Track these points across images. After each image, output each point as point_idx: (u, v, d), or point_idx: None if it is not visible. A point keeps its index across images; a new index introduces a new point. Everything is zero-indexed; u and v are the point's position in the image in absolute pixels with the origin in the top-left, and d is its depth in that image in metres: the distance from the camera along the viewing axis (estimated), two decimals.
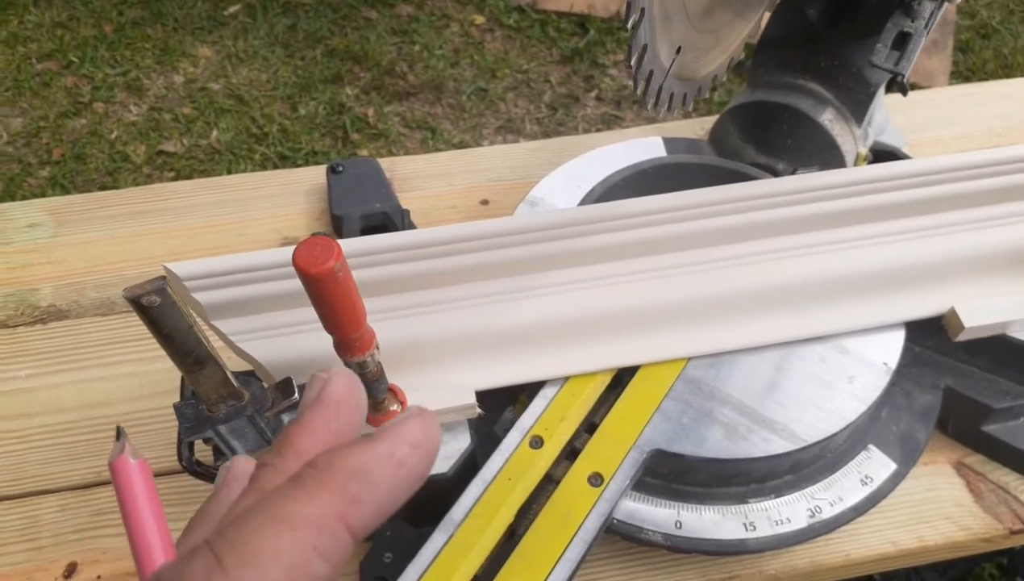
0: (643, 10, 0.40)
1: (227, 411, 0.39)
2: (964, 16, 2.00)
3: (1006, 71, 1.86)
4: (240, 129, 1.76)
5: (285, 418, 0.42)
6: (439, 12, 1.99)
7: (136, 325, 0.65)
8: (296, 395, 0.40)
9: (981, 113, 0.77)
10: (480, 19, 1.99)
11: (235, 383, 0.39)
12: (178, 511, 0.54)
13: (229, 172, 1.65)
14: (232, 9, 1.98)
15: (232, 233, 0.68)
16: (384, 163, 0.68)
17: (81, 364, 0.61)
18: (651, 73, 0.44)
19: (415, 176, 0.70)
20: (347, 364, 0.40)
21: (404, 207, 0.64)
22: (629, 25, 0.40)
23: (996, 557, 1.23)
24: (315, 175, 0.69)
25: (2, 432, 0.57)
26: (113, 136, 1.75)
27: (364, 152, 1.69)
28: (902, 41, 0.44)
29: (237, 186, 0.71)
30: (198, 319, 0.39)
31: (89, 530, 0.53)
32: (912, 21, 0.47)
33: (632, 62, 0.41)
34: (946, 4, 0.47)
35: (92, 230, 0.69)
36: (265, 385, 0.41)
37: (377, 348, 0.40)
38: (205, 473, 0.50)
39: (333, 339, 0.38)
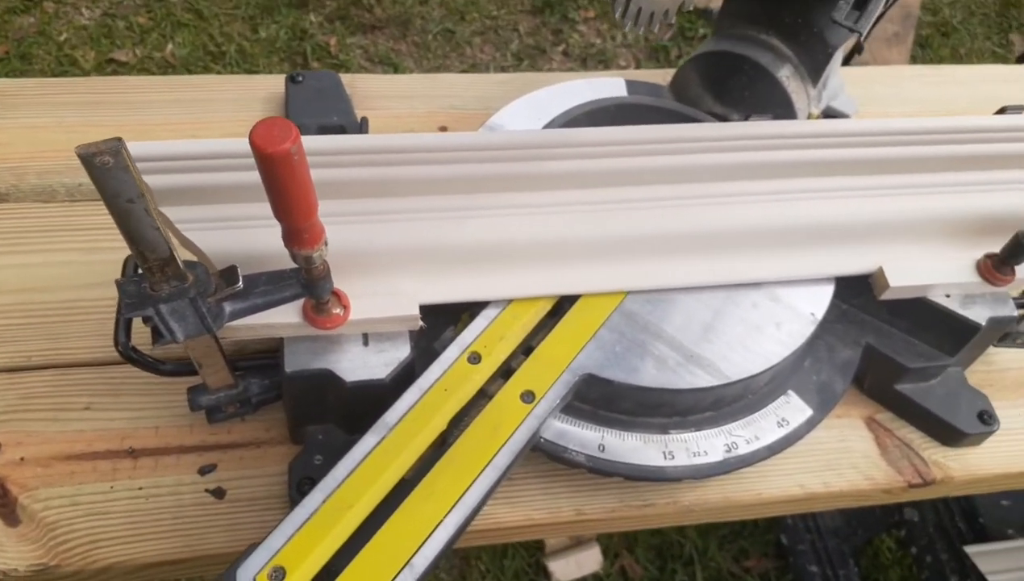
0: None
1: (170, 291, 0.39)
2: (927, 12, 2.04)
3: None
4: (197, 45, 1.72)
5: (227, 307, 0.42)
6: None
7: (77, 215, 0.64)
8: (240, 283, 0.40)
9: (932, 95, 0.79)
10: None
11: (180, 264, 0.39)
12: (109, 401, 0.54)
13: None
14: None
15: (185, 134, 0.66)
16: (344, 79, 0.68)
17: (19, 249, 0.59)
18: None
19: (377, 95, 0.70)
20: (294, 257, 0.40)
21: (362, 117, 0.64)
22: None
23: (894, 530, 1.29)
24: (274, 83, 0.69)
25: None
26: (62, 38, 1.69)
27: None
28: (863, 1, 0.46)
29: (195, 86, 0.69)
30: (150, 195, 0.38)
31: (15, 412, 0.53)
32: None
33: None
34: None
35: (41, 116, 0.67)
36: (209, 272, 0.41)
37: (325, 245, 0.40)
38: (140, 360, 0.49)
39: (282, 228, 0.38)
